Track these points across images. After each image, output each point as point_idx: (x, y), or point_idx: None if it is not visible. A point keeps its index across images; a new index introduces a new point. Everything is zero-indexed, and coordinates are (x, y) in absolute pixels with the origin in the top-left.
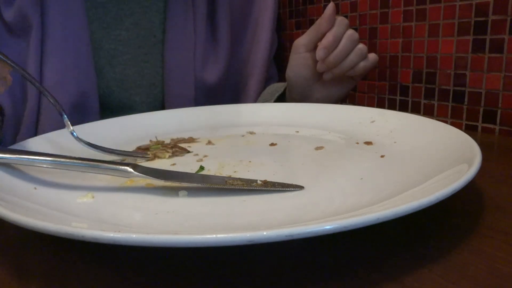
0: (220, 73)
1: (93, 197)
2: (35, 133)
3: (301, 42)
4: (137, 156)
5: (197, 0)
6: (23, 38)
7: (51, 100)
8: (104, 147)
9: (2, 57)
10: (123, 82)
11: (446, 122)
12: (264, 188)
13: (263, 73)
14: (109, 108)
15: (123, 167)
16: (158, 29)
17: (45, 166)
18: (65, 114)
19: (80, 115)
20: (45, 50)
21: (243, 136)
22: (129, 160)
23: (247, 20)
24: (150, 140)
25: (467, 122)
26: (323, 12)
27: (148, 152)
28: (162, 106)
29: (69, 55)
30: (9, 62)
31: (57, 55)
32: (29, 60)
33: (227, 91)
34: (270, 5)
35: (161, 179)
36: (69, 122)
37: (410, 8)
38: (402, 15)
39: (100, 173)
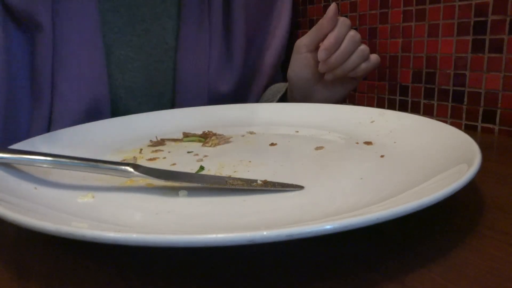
0: (234, 83)
1: (93, 197)
2: None
3: (303, 42)
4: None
5: (213, 7)
6: (32, 37)
7: None
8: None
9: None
10: (132, 90)
11: (445, 122)
12: (264, 188)
13: (269, 79)
14: (116, 115)
15: (123, 167)
16: (171, 36)
17: (45, 166)
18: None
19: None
20: (58, 55)
21: (243, 136)
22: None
23: (263, 29)
24: (150, 140)
25: (466, 122)
26: (323, 12)
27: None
28: None
29: (83, 61)
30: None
31: (71, 61)
32: (39, 64)
33: (236, 99)
34: (286, 13)
35: (161, 179)
36: None
37: (409, 8)
38: (401, 15)
39: (100, 173)
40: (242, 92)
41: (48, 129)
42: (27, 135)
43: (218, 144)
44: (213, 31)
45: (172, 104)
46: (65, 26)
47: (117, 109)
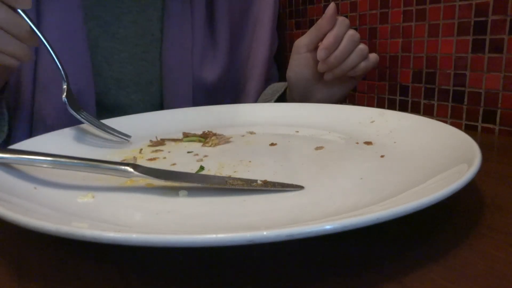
0: (219, 72)
1: (93, 197)
2: (30, 125)
3: (302, 42)
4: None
5: None
6: None
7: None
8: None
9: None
10: (120, 81)
11: (446, 122)
12: (264, 188)
13: (263, 73)
14: (106, 106)
15: (123, 167)
16: (156, 27)
17: (45, 166)
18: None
19: None
20: (40, 47)
21: (243, 136)
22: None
23: (246, 19)
24: (150, 140)
25: (467, 122)
26: (323, 12)
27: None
28: (159, 105)
29: (65, 53)
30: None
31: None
32: None
33: (227, 91)
34: (270, 3)
35: (161, 179)
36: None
37: (410, 8)
38: (402, 15)
39: (100, 173)
40: (236, 85)
41: (31, 124)
42: (9, 130)
43: (218, 144)
44: (196, 20)
45: (161, 93)
46: (48, 19)
47: (106, 100)
